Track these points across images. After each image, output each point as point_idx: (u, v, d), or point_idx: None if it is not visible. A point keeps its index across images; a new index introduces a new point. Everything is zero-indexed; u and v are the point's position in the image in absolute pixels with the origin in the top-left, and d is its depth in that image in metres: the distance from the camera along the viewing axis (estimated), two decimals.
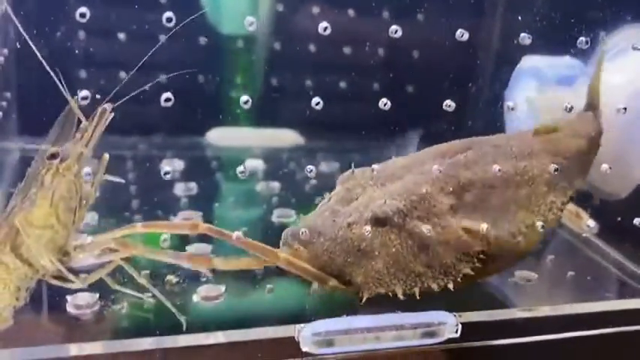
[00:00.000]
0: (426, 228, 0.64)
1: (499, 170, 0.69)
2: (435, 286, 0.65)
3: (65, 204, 0.59)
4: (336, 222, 0.65)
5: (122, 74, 0.97)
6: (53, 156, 0.58)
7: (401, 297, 0.64)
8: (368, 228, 0.64)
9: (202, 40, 1.00)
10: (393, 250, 0.64)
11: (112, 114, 0.60)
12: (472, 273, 0.66)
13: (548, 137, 0.75)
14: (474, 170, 0.69)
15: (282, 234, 0.66)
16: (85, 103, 0.56)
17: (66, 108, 0.60)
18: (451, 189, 0.67)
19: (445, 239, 0.65)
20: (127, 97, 0.59)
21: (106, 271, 0.62)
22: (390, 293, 0.65)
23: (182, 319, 0.62)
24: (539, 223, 0.69)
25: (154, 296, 0.64)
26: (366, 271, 0.64)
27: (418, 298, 0.65)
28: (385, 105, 0.68)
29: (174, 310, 0.62)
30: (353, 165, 0.70)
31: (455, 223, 0.66)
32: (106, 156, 0.63)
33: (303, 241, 0.64)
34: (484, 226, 0.66)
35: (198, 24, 0.99)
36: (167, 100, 0.57)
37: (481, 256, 0.66)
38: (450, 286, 0.65)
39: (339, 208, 0.67)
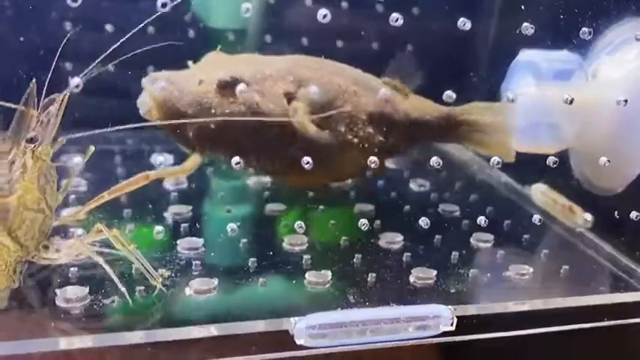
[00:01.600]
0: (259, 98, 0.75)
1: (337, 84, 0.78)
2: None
3: (50, 188, 0.60)
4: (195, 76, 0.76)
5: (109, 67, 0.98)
6: (32, 140, 0.58)
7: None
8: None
9: (191, 34, 0.99)
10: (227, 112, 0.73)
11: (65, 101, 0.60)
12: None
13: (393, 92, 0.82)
14: (314, 73, 0.78)
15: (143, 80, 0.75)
16: (77, 90, 0.55)
17: (26, 92, 0.59)
18: (291, 79, 0.76)
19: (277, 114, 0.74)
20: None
21: (88, 240, 0.62)
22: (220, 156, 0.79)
23: (157, 283, 0.63)
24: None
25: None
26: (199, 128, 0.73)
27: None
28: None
29: (150, 273, 0.63)
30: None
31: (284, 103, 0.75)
32: (92, 148, 0.64)
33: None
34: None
35: (186, 17, 0.98)
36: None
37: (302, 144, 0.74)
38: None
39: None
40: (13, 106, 0.58)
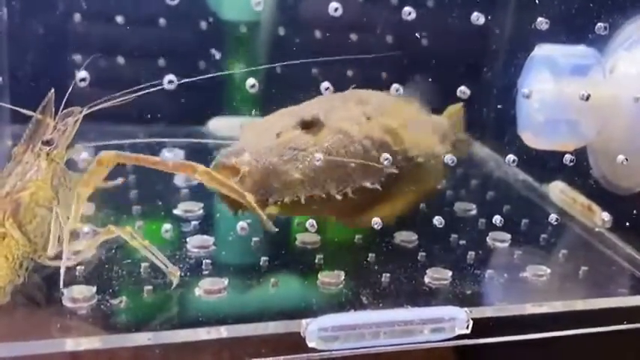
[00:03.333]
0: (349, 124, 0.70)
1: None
2: (367, 184, 0.69)
3: (62, 191, 0.61)
4: (265, 136, 0.68)
5: (120, 60, 0.97)
6: (48, 142, 0.61)
7: (337, 197, 0.68)
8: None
9: (203, 27, 0.98)
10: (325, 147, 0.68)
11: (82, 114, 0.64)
12: (396, 171, 0.71)
13: None
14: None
15: (214, 162, 0.67)
16: (83, 84, 0.54)
17: (44, 100, 0.64)
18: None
19: (367, 135, 0.70)
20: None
21: (97, 241, 0.63)
22: (324, 194, 0.67)
23: (174, 279, 0.62)
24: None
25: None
26: (302, 170, 0.66)
27: (352, 196, 0.69)
28: (397, 91, 0.66)
29: (166, 265, 0.63)
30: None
31: (374, 122, 0.72)
32: (79, 147, 0.66)
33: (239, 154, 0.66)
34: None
35: (199, 10, 0.97)
36: (170, 82, 0.54)
37: (399, 157, 0.72)
38: (377, 185, 0.70)
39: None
40: (30, 113, 0.63)
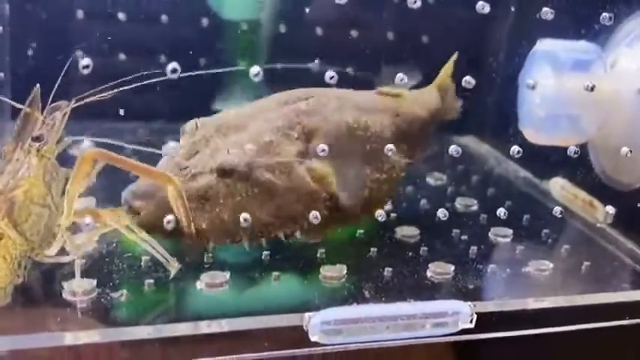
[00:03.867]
0: (270, 176, 0.65)
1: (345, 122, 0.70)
2: (281, 235, 0.66)
3: (55, 186, 0.61)
4: (182, 173, 0.64)
5: (121, 56, 0.96)
6: (38, 138, 0.60)
7: (246, 247, 0.65)
8: (213, 178, 0.64)
9: (203, 25, 0.98)
10: (238, 199, 0.64)
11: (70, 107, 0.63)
12: (319, 221, 0.66)
13: (391, 99, 0.77)
14: (318, 118, 0.69)
15: (122, 194, 0.64)
16: (86, 72, 0.54)
17: (30, 96, 0.63)
18: (296, 135, 0.68)
19: (292, 186, 0.66)
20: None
21: (96, 233, 0.62)
22: (235, 243, 0.65)
23: (172, 269, 0.62)
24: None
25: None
26: (211, 220, 0.63)
27: (264, 246, 0.67)
28: (402, 80, 0.66)
29: (166, 259, 0.62)
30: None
31: (302, 170, 0.66)
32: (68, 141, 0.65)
33: (143, 198, 0.63)
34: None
35: (199, 9, 0.97)
36: (174, 70, 0.54)
37: (328, 203, 0.67)
38: (298, 234, 0.67)
39: (183, 161, 0.66)
40: (19, 105, 0.62)
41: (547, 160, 0.87)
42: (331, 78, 0.62)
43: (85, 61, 0.52)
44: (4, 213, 0.57)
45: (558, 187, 0.90)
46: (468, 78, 0.66)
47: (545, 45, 0.81)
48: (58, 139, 0.63)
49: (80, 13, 0.93)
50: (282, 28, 1.01)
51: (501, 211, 0.75)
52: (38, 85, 0.63)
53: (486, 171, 1.00)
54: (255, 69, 0.60)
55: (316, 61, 0.74)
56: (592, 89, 0.70)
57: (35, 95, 0.63)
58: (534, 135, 0.82)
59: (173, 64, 0.53)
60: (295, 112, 0.69)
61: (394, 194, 0.77)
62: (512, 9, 0.93)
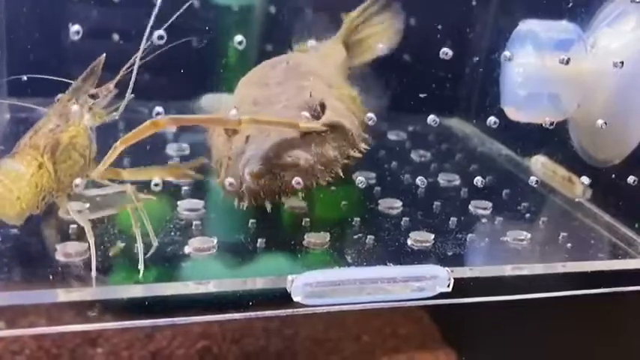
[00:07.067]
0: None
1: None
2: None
3: (92, 145, 0.66)
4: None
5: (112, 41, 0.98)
6: (93, 96, 0.66)
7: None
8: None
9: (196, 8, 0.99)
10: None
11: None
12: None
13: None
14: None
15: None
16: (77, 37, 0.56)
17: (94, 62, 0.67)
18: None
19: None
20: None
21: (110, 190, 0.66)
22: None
23: (155, 242, 0.64)
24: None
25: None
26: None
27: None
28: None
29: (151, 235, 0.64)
30: None
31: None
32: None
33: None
34: None
35: None
36: (160, 37, 0.56)
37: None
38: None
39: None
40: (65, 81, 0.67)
41: (529, 139, 0.89)
42: None
43: (75, 27, 0.54)
44: (49, 148, 0.62)
45: (539, 164, 0.92)
46: (445, 49, 0.68)
47: (527, 25, 0.83)
48: (111, 111, 0.68)
49: None
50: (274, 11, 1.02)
51: (479, 180, 0.77)
52: (104, 55, 0.67)
53: (469, 150, 1.02)
54: (238, 37, 0.62)
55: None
56: (567, 62, 0.72)
57: (99, 62, 0.67)
58: (516, 113, 0.84)
59: (159, 32, 0.55)
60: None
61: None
62: None
